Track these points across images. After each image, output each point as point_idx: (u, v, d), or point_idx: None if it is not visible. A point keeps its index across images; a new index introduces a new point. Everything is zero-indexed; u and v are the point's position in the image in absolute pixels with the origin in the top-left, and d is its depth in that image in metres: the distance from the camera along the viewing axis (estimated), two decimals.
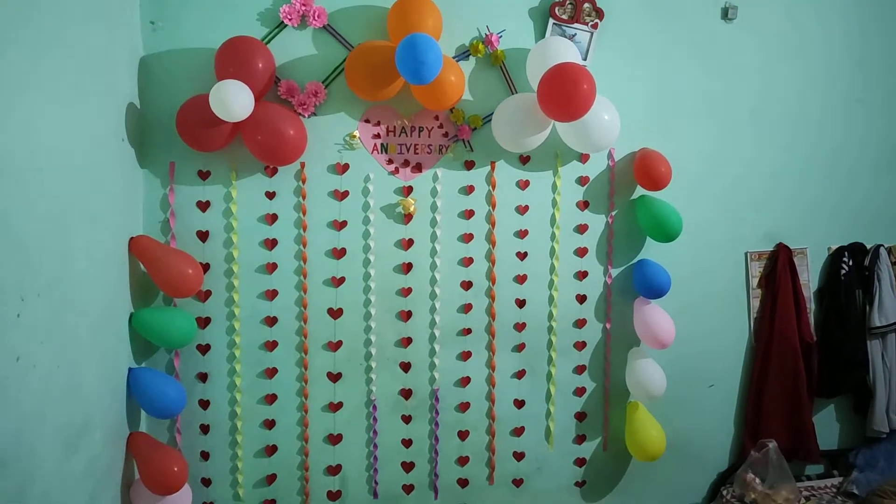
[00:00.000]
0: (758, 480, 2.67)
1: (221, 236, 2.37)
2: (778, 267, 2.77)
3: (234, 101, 2.07)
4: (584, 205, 2.61)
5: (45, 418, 1.59)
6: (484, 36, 2.44)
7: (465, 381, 2.57)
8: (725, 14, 2.65)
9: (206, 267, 2.35)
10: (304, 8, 2.31)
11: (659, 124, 2.62)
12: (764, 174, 2.76)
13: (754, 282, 2.80)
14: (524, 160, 2.54)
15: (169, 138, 2.25)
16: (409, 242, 2.49)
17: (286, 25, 2.32)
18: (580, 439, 2.70)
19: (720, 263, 2.76)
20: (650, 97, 2.61)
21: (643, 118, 2.60)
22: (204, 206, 2.35)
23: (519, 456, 2.65)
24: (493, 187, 2.53)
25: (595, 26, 2.50)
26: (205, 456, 2.42)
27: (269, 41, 2.31)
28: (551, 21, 2.47)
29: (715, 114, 2.69)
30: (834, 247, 2.87)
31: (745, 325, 2.82)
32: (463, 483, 2.62)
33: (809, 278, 2.86)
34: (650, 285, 2.54)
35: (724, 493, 2.75)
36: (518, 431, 2.64)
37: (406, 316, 2.51)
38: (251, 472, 2.46)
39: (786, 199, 2.80)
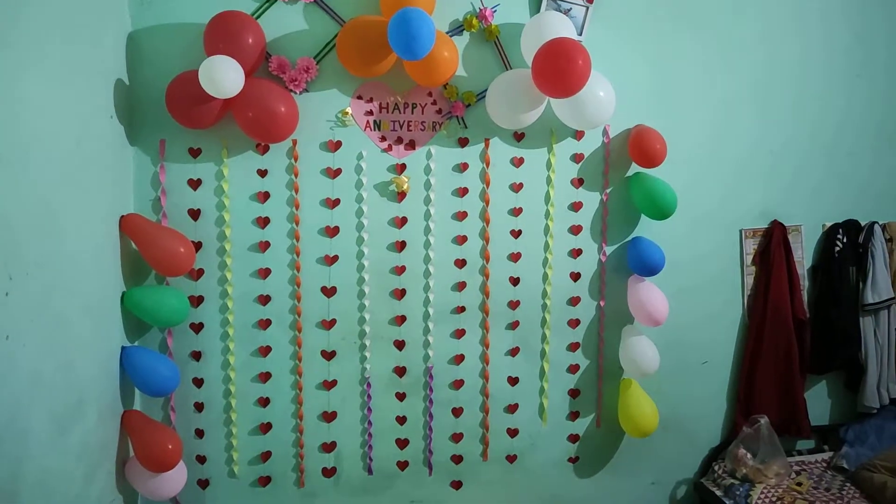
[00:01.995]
0: (749, 455, 2.70)
1: (213, 214, 2.35)
2: (772, 244, 2.76)
3: (223, 77, 2.04)
4: (578, 182, 2.59)
5: (38, 397, 1.59)
6: (478, 10, 2.40)
7: (458, 359, 2.58)
8: None
9: (198, 245, 2.34)
10: None
11: (655, 101, 2.60)
12: (761, 151, 2.75)
13: (749, 259, 2.80)
14: (519, 137, 2.52)
15: (159, 115, 2.22)
16: (403, 220, 2.48)
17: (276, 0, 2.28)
18: (574, 416, 2.72)
19: (715, 241, 2.76)
20: (647, 73, 2.58)
21: (639, 94, 2.58)
22: (195, 184, 2.33)
23: (513, 432, 2.67)
24: (488, 165, 2.51)
25: (591, 0, 2.46)
26: (199, 434, 2.43)
27: (259, 16, 2.27)
28: None
29: (713, 90, 2.66)
30: (828, 224, 2.87)
31: (739, 302, 2.83)
32: (457, 459, 2.64)
33: (803, 255, 2.86)
34: (644, 263, 2.54)
35: (716, 468, 2.78)
36: (512, 408, 2.65)
37: (400, 294, 2.50)
38: (246, 449, 2.47)
39: (781, 177, 2.78)
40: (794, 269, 2.80)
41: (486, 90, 2.40)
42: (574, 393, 2.70)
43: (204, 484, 2.46)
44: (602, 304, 2.66)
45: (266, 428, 2.47)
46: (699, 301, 2.75)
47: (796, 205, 2.82)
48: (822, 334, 2.83)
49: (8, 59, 1.47)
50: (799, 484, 2.66)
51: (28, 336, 1.53)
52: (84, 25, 1.90)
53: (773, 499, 2.59)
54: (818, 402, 2.96)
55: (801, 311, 2.80)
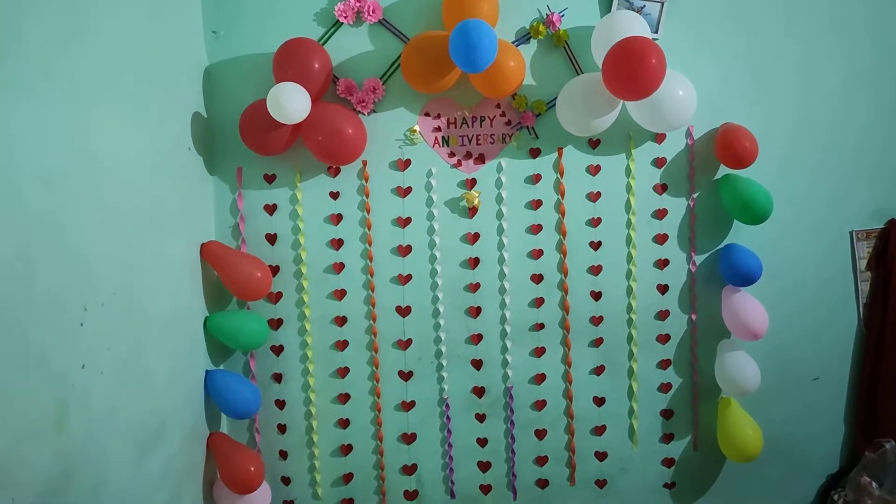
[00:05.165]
0: (875, 484, 2.40)
1: (289, 238, 2.40)
2: (890, 246, 2.47)
3: (290, 103, 2.07)
4: (661, 188, 2.43)
5: (117, 421, 1.64)
6: (544, 16, 2.32)
7: (539, 378, 2.47)
8: None
9: (275, 269, 2.39)
10: (358, 4, 2.28)
11: (742, 96, 2.40)
12: (869, 142, 2.47)
13: (862, 264, 2.52)
14: (594, 144, 2.41)
15: (235, 144, 2.29)
16: (475, 236, 2.42)
17: (342, 24, 2.30)
18: (667, 438, 2.53)
19: (820, 245, 2.50)
20: (730, 68, 2.39)
21: (724, 91, 2.39)
22: (271, 209, 2.38)
23: (601, 456, 2.52)
24: (562, 174, 2.41)
25: None
26: (283, 455, 2.46)
27: (325, 41, 2.30)
28: None
29: (806, 80, 2.42)
30: None
31: (854, 311, 2.54)
32: (543, 484, 2.53)
33: None
34: (739, 272, 2.34)
35: (836, 497, 2.50)
36: (599, 430, 2.51)
37: (475, 312, 2.44)
38: (328, 471, 2.48)
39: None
40: None
41: (556, 98, 2.30)
42: (667, 414, 2.52)
43: None
44: (694, 317, 2.48)
45: (347, 450, 2.47)
46: (805, 311, 2.50)
47: None
48: None
49: (87, 94, 1.55)
50: None
51: (105, 363, 1.59)
52: (161, 61, 1.99)
53: None
54: None
55: None
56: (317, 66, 2.19)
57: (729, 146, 2.29)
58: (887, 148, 2.48)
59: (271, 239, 2.39)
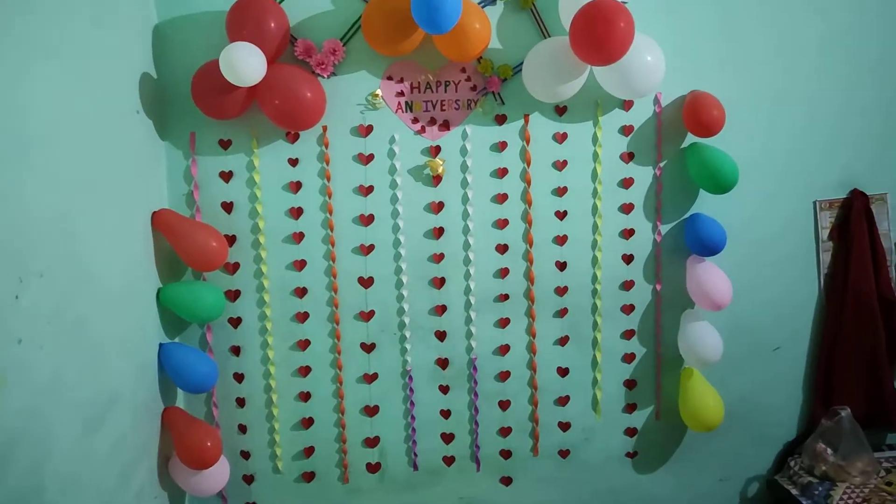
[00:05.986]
0: (829, 451, 2.45)
1: (246, 206, 2.31)
2: (852, 216, 2.48)
3: (244, 64, 1.97)
4: (628, 157, 2.40)
5: (62, 397, 1.57)
6: None
7: (504, 350, 2.45)
8: None
9: (232, 239, 2.30)
10: None
11: (711, 64, 2.36)
12: (834, 112, 2.46)
13: (825, 234, 2.53)
14: (561, 111, 2.35)
15: (188, 108, 2.17)
16: (440, 206, 2.36)
17: None
18: (630, 408, 2.54)
19: (784, 215, 2.49)
20: (700, 34, 2.34)
21: (693, 58, 2.35)
22: (227, 176, 2.29)
23: (565, 426, 2.52)
24: (528, 142, 2.35)
25: None
26: (242, 429, 2.40)
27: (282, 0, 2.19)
28: None
29: (774, 49, 2.39)
30: None
31: (815, 281, 2.56)
32: (506, 454, 2.52)
33: (889, 227, 2.55)
34: (704, 242, 2.33)
35: (792, 464, 2.54)
36: (563, 401, 2.50)
37: (439, 283, 2.39)
38: (289, 444, 2.43)
39: (860, 141, 2.48)
40: (879, 244, 2.51)
41: (522, 62, 2.23)
42: (630, 384, 2.53)
43: (249, 479, 2.44)
44: (658, 287, 2.47)
45: (308, 423, 2.42)
46: (767, 282, 2.51)
47: (880, 171, 2.51)
48: None
49: (28, 55, 1.44)
50: (889, 484, 2.39)
51: (45, 339, 1.50)
52: (105, 16, 1.86)
53: (859, 500, 2.35)
54: None
55: (887, 290, 2.51)
56: (273, 25, 2.08)
57: (696, 114, 2.26)
58: (851, 118, 2.47)
59: (227, 207, 2.30)
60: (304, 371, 2.39)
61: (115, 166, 1.89)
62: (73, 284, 1.63)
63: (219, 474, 2.24)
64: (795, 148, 2.46)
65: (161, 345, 2.16)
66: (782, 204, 2.49)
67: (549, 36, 2.27)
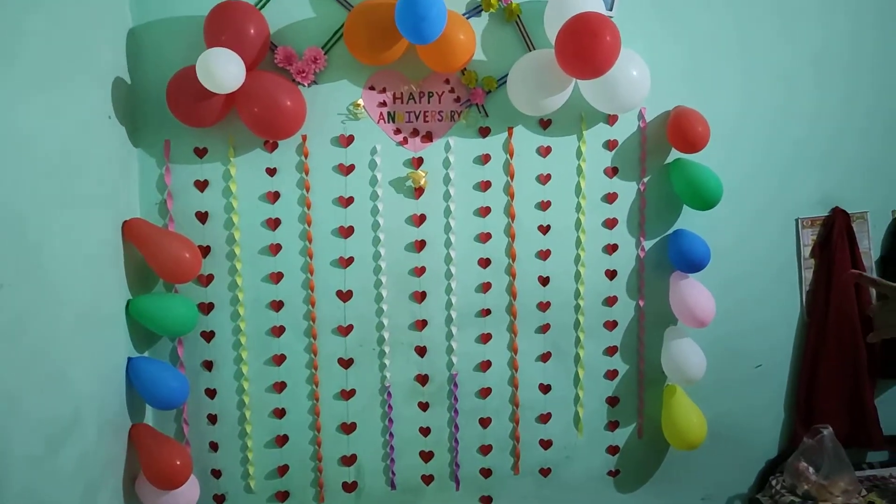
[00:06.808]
0: (811, 470, 2.43)
1: (221, 217, 2.24)
2: (834, 234, 2.49)
3: (221, 70, 1.91)
4: (612, 171, 2.38)
5: (19, 414, 1.48)
6: None
7: (485, 366, 2.40)
8: None
9: (206, 250, 2.23)
10: None
11: (696, 79, 2.36)
12: (817, 131, 2.47)
13: (807, 251, 2.53)
14: (545, 124, 2.33)
15: (162, 114, 2.10)
16: (421, 218, 2.31)
17: None
18: (612, 426, 2.50)
19: (767, 232, 2.49)
20: (686, 49, 2.34)
21: (678, 73, 2.34)
22: (202, 185, 2.22)
23: (546, 444, 2.47)
24: (511, 155, 2.32)
25: None
26: (214, 447, 2.32)
27: (263, 5, 2.14)
28: None
29: (761, 66, 2.39)
30: None
31: (797, 299, 2.55)
32: (486, 473, 2.46)
33: (870, 246, 2.56)
34: (687, 258, 2.31)
35: (774, 482, 2.52)
36: (544, 418, 2.46)
37: (420, 297, 2.34)
38: (262, 462, 2.35)
39: (842, 159, 2.50)
40: (860, 261, 2.52)
41: (507, 74, 2.21)
42: (612, 401, 2.49)
43: (220, 499, 2.35)
44: (641, 303, 2.44)
45: (282, 440, 2.35)
46: (751, 299, 2.49)
47: (861, 190, 2.53)
48: None
49: None
50: (871, 502, 2.38)
51: (3, 353, 1.42)
52: (78, 19, 1.79)
53: None
54: (891, 409, 2.65)
55: (868, 308, 2.51)
56: (252, 31, 2.03)
57: (681, 130, 2.25)
58: (834, 136, 2.48)
59: (202, 217, 2.23)
60: (280, 387, 2.32)
61: (84, 173, 1.82)
62: (35, 296, 1.55)
63: (188, 494, 2.15)
64: (778, 165, 2.46)
65: (129, 359, 2.07)
66: (765, 221, 2.48)
67: (534, 49, 2.25)
